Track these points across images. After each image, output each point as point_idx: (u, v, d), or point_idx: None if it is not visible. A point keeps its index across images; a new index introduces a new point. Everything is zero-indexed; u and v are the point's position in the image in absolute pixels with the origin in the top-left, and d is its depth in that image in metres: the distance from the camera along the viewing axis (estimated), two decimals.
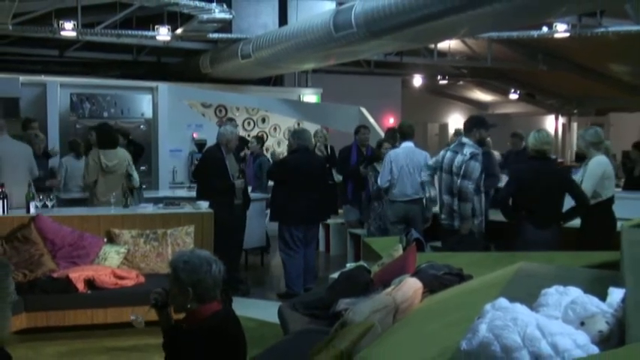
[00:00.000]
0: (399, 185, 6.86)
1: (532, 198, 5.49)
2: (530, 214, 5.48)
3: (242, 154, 8.88)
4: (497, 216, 5.98)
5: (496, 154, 9.93)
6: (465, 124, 6.14)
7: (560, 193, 5.50)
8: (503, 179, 6.84)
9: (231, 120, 9.79)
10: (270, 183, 8.31)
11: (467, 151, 5.70)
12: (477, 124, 5.98)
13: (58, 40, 12.11)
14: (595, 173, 5.57)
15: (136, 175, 7.26)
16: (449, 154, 5.86)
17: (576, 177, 5.80)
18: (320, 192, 7.07)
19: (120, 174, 7.15)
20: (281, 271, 7.24)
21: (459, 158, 5.71)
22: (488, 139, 7.12)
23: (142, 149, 9.03)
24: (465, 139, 5.83)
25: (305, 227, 6.96)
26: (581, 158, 6.35)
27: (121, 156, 7.20)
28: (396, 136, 9.11)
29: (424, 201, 6.70)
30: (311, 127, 9.61)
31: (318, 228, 7.45)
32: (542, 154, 5.54)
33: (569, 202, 5.56)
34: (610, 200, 5.69)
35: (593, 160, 5.63)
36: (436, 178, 6.18)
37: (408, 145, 7.07)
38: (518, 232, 5.53)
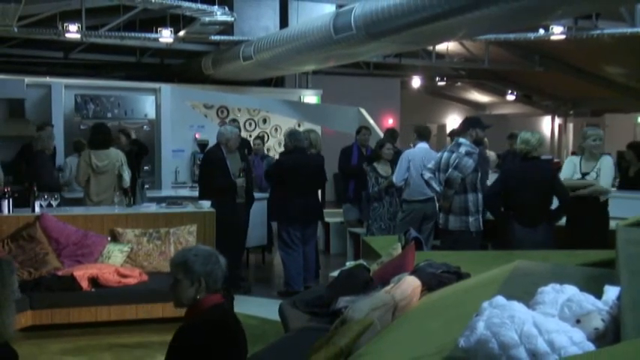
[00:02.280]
0: (416, 185, 6.80)
1: (519, 197, 5.59)
2: (518, 213, 5.59)
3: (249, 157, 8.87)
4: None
5: (492, 154, 9.98)
6: (461, 124, 6.24)
7: (546, 193, 5.60)
8: (491, 178, 6.93)
9: (234, 121, 9.88)
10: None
11: (463, 149, 5.82)
12: (472, 124, 6.08)
13: (63, 42, 12.16)
14: (612, 170, 5.85)
15: (126, 175, 7.18)
16: (446, 154, 5.96)
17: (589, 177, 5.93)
18: (317, 192, 7.14)
19: (112, 174, 7.13)
20: (282, 269, 7.28)
21: (454, 156, 5.83)
22: (485, 139, 7.20)
23: (146, 149, 9.07)
24: (461, 140, 5.92)
25: (302, 226, 7.01)
26: None
27: (112, 156, 7.16)
28: (395, 135, 9.20)
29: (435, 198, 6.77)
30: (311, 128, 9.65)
31: (317, 227, 7.49)
32: (523, 154, 5.67)
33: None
34: (607, 200, 5.82)
35: (608, 159, 5.84)
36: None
37: (423, 145, 7.12)
38: (506, 230, 5.63)
